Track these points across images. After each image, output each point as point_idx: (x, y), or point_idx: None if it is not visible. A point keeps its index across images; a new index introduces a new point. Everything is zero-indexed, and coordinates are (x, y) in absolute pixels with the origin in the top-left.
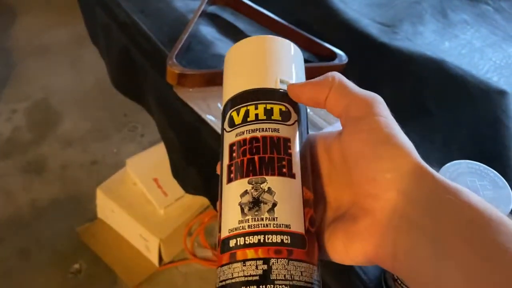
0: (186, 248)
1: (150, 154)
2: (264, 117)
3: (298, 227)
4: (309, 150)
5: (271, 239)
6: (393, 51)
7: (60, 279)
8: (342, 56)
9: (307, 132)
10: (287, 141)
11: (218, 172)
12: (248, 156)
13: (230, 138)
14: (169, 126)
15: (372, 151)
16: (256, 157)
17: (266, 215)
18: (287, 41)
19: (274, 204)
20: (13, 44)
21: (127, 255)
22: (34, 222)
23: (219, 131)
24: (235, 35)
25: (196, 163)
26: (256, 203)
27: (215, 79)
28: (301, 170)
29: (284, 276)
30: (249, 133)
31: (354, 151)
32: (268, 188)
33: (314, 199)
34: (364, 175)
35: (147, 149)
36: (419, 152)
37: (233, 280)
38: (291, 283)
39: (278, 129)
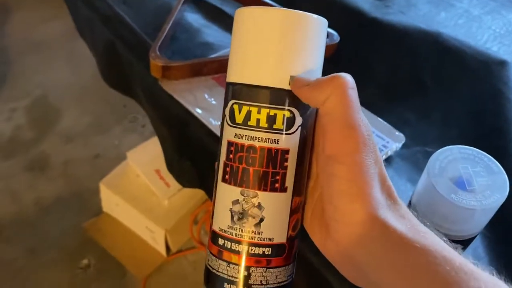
0: (192, 237)
1: (150, 146)
2: (266, 125)
3: (280, 238)
4: (314, 124)
5: (254, 251)
6: (385, 27)
7: (69, 275)
8: (334, 35)
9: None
10: (284, 153)
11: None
12: (244, 165)
13: (229, 134)
14: (159, 120)
15: (340, 189)
16: (251, 169)
17: (253, 228)
18: (315, 18)
19: (262, 219)
20: (8, 42)
21: (135, 247)
22: (40, 220)
23: (207, 124)
24: (223, 20)
25: (188, 156)
26: (245, 215)
27: (202, 70)
28: (295, 178)
29: (260, 281)
30: (248, 139)
31: (324, 189)
32: (258, 203)
33: (306, 183)
34: (330, 200)
35: (148, 140)
36: (417, 132)
37: (218, 274)
38: (265, 287)
39: (278, 140)
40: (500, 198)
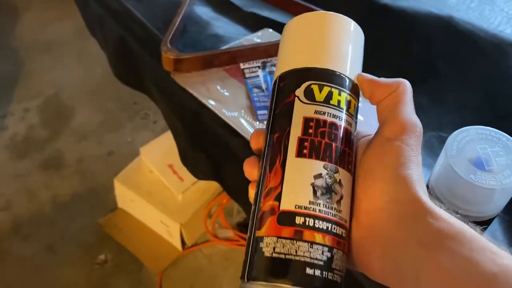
0: (207, 230)
1: (162, 141)
2: (345, 108)
3: (348, 224)
4: None
5: (336, 230)
6: (396, 12)
7: (87, 270)
8: None
9: None
10: (354, 139)
11: (255, 144)
12: (327, 140)
13: (306, 110)
14: (172, 113)
15: (381, 173)
16: (334, 145)
17: (335, 205)
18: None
19: (341, 197)
20: (19, 43)
21: (150, 242)
22: (57, 217)
23: (221, 115)
24: (232, 11)
25: (203, 148)
26: (329, 190)
27: (213, 61)
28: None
29: (340, 267)
30: (330, 117)
31: (368, 166)
32: (339, 180)
33: None
34: (364, 191)
35: (160, 135)
36: (430, 116)
37: (297, 258)
38: (342, 274)
39: (351, 124)
40: None
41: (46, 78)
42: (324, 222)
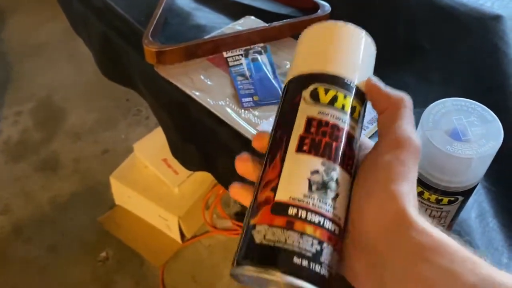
0: (205, 221)
1: (155, 136)
2: (349, 111)
3: (343, 222)
4: None
5: (328, 226)
6: None
7: (90, 268)
8: (324, 6)
9: None
10: (357, 143)
11: (258, 144)
12: (327, 138)
13: (310, 110)
14: (160, 106)
15: (372, 186)
16: (334, 144)
17: (330, 202)
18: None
19: (337, 195)
20: (8, 46)
21: (150, 236)
22: (57, 218)
23: (206, 105)
24: (213, 1)
25: (192, 139)
26: (324, 186)
27: (196, 52)
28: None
29: (329, 262)
30: (333, 118)
31: (361, 177)
32: (336, 178)
33: None
34: (357, 200)
35: (153, 131)
36: (417, 94)
37: (286, 246)
38: (332, 270)
39: (355, 128)
40: (495, 145)
41: (37, 80)
42: (317, 216)
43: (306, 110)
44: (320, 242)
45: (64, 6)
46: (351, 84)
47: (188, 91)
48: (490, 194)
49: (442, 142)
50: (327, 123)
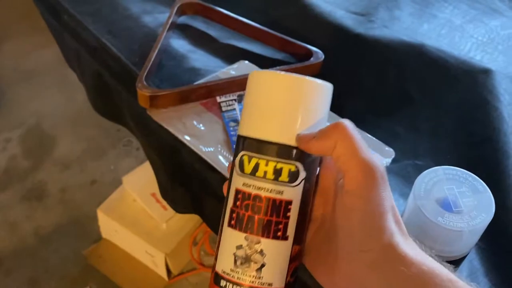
0: (193, 259)
1: (145, 169)
2: (272, 177)
3: (279, 284)
4: (321, 171)
5: None
6: (369, 42)
7: None
8: (318, 53)
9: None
10: (288, 204)
11: (225, 192)
12: (249, 212)
13: (238, 182)
14: (150, 148)
15: (350, 228)
16: (256, 217)
17: (254, 273)
18: (319, 83)
19: (263, 265)
20: None
21: (136, 272)
22: (40, 250)
23: (197, 151)
24: (209, 43)
25: (182, 182)
26: (247, 260)
27: (190, 96)
28: (296, 228)
29: None
30: (254, 189)
31: (338, 218)
32: (261, 250)
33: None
34: (349, 233)
35: (142, 164)
36: (406, 145)
37: None
38: None
39: (282, 191)
40: (486, 218)
41: (27, 107)
42: None
43: (235, 180)
44: None
45: (58, 40)
46: (275, 145)
47: (180, 137)
48: (480, 252)
49: (434, 213)
50: (249, 196)
